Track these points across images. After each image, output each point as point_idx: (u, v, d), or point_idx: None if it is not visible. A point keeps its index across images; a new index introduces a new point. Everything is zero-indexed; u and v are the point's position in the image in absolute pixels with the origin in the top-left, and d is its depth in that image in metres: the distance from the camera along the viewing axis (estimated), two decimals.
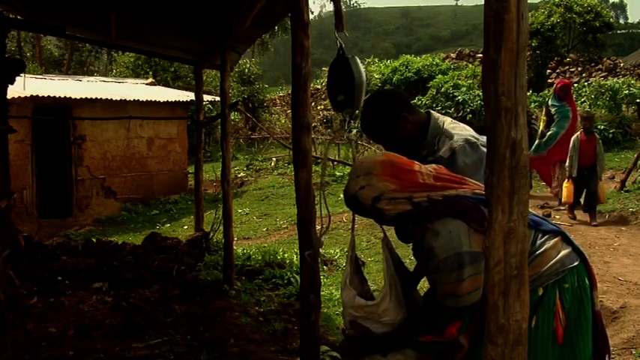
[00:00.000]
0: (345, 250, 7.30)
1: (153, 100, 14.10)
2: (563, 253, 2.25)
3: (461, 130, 2.71)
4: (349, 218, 9.42)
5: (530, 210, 2.27)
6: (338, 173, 14.25)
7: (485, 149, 2.53)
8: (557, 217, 9.24)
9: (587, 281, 2.27)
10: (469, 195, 2.21)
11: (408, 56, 24.65)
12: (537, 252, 2.22)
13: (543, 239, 2.26)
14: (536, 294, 2.16)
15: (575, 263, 2.25)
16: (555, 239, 2.27)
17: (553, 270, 2.21)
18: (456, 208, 2.15)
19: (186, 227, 11.21)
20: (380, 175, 2.24)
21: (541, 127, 10.39)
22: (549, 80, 22.55)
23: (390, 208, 2.23)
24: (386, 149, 2.82)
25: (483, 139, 2.67)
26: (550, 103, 10.47)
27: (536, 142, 10.35)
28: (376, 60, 24.80)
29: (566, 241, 2.31)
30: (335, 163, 15.34)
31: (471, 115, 18.08)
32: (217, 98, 12.95)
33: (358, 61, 2.82)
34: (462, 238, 2.10)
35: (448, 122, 2.77)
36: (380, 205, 2.24)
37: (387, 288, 2.47)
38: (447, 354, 2.34)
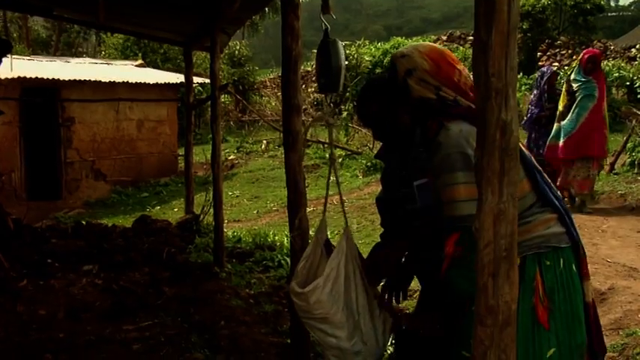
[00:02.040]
0: (336, 232, 7.31)
1: (142, 82, 14.02)
2: (552, 230, 2.18)
3: None
4: (340, 200, 9.40)
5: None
6: (328, 155, 14.23)
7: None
8: None
9: (574, 268, 2.19)
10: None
11: (399, 38, 24.55)
12: (524, 220, 2.13)
13: (538, 210, 2.19)
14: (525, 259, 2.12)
15: (563, 245, 2.18)
16: (550, 215, 2.20)
17: (534, 243, 2.15)
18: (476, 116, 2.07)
19: (176, 210, 11.20)
20: (423, 52, 2.30)
21: (560, 108, 8.36)
22: (540, 63, 22.57)
23: (417, 88, 2.26)
24: (377, 136, 2.81)
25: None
26: (573, 77, 8.33)
27: (555, 125, 8.38)
28: (367, 42, 24.68)
29: (562, 222, 2.22)
30: (325, 145, 15.31)
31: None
32: (207, 80, 12.89)
33: (339, 44, 2.79)
34: (471, 141, 2.02)
35: None
36: (410, 81, 2.28)
37: (322, 278, 2.39)
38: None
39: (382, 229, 2.91)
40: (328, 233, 2.92)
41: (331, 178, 2.79)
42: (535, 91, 9.15)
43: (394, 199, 2.79)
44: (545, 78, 9.02)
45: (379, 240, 2.88)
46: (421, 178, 2.59)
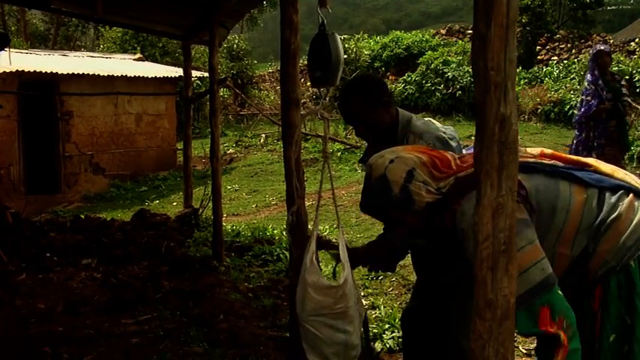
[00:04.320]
0: (335, 226, 7.32)
1: (141, 75, 13.97)
2: None
3: (428, 127, 2.75)
4: (338, 195, 9.47)
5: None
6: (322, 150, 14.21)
7: (453, 143, 2.67)
8: None
9: None
10: None
11: (398, 32, 24.50)
12: (611, 217, 1.91)
13: (614, 199, 1.95)
14: (630, 269, 1.89)
15: None
16: (628, 197, 1.95)
17: (637, 238, 1.88)
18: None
19: (175, 204, 11.19)
20: (407, 149, 2.09)
21: None
22: (539, 57, 22.53)
23: (422, 193, 1.99)
24: (358, 133, 2.83)
25: (449, 130, 2.78)
26: None
27: None
28: (366, 36, 24.63)
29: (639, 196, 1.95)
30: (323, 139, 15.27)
31: (460, 92, 18.08)
32: (206, 74, 12.85)
33: (337, 38, 2.80)
34: None
35: (414, 119, 2.81)
36: (412, 187, 1.98)
37: (347, 270, 2.39)
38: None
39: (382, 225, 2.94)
40: (321, 228, 2.93)
41: (330, 173, 2.79)
42: (589, 77, 7.22)
43: None
44: (595, 60, 7.16)
45: (378, 235, 2.91)
46: None
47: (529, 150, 2.13)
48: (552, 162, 2.07)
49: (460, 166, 2.05)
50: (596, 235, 1.92)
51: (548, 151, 2.14)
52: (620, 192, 1.95)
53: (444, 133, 2.74)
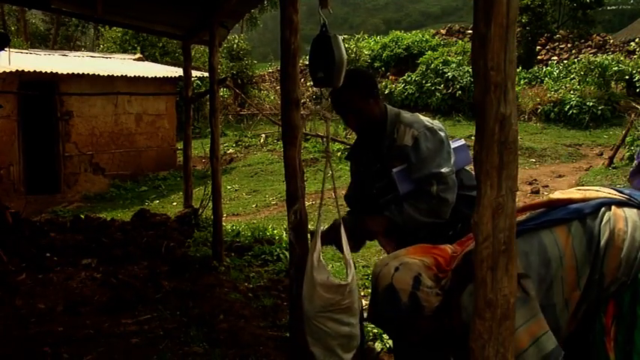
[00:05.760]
0: None
1: (141, 75, 13.97)
2: None
3: (417, 118, 2.91)
4: (338, 194, 9.41)
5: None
6: (324, 149, 14.22)
7: (442, 133, 2.82)
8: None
9: None
10: None
11: (398, 32, 24.53)
12: (604, 237, 1.95)
13: (597, 220, 1.98)
14: (636, 283, 1.92)
15: None
16: (612, 210, 2.00)
17: (638, 247, 1.94)
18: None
19: (175, 204, 11.19)
20: (409, 253, 2.04)
21: None
22: (539, 57, 22.53)
23: (430, 299, 1.95)
24: (346, 122, 2.91)
25: (437, 123, 2.95)
26: None
27: None
28: (366, 36, 24.65)
29: None
30: (324, 139, 15.30)
31: (460, 92, 18.09)
32: (206, 74, 12.84)
33: (340, 40, 2.82)
34: None
35: (403, 112, 2.96)
36: (421, 294, 1.94)
37: (351, 267, 2.42)
38: None
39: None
40: (326, 225, 2.97)
41: (330, 172, 2.81)
42: None
43: (368, 195, 2.91)
44: None
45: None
46: (399, 165, 2.72)
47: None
48: (525, 217, 2.06)
49: (458, 249, 2.06)
50: (596, 259, 1.94)
51: (542, 200, 2.15)
52: (602, 210, 1.98)
53: (433, 124, 2.88)
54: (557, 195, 2.14)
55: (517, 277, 1.75)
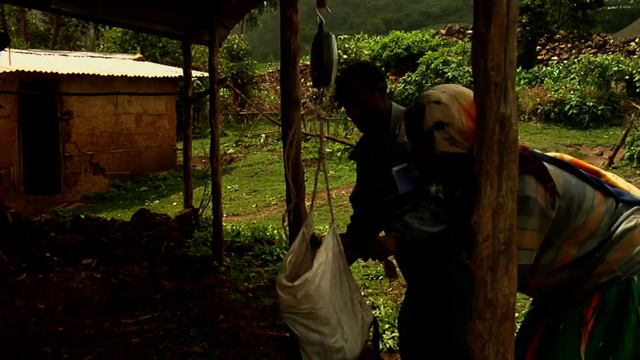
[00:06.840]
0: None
1: (141, 75, 13.97)
2: None
3: None
4: (338, 194, 9.45)
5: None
6: (327, 150, 14.24)
7: None
8: None
9: None
10: (534, 152, 1.98)
11: (398, 32, 24.54)
12: (626, 227, 1.94)
13: (629, 211, 1.98)
14: (632, 282, 1.91)
15: None
16: None
17: None
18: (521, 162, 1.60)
19: (175, 204, 11.19)
20: (464, 105, 1.93)
21: None
22: (539, 57, 22.52)
23: (444, 144, 1.92)
24: (350, 113, 2.88)
25: None
26: None
27: None
28: (366, 36, 24.65)
29: None
30: (324, 139, 15.28)
31: None
32: (206, 74, 12.85)
33: (332, 39, 2.81)
34: (528, 185, 1.80)
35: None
36: (437, 135, 1.92)
37: (311, 273, 2.34)
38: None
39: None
40: (322, 228, 2.94)
41: (328, 173, 2.80)
42: None
43: (370, 196, 2.89)
44: None
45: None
46: (400, 164, 2.69)
47: (549, 154, 2.11)
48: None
49: None
50: (606, 243, 1.94)
51: (567, 157, 2.12)
52: (635, 207, 1.99)
53: None
54: (606, 172, 2.15)
55: (552, 189, 1.83)
